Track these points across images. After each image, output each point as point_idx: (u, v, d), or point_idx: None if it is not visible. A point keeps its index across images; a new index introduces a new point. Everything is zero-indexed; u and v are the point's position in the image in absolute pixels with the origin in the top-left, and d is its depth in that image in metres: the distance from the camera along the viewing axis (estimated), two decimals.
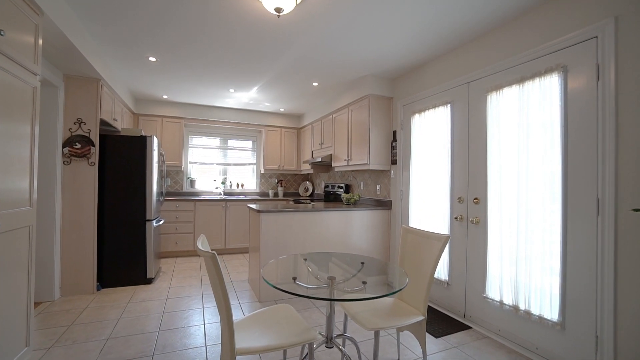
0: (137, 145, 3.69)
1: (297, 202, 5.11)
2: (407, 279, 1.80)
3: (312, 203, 4.63)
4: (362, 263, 2.27)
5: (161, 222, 4.12)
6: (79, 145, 3.27)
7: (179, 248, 5.02)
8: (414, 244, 2.20)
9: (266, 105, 5.47)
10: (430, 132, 3.32)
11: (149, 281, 3.73)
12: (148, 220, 3.72)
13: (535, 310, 2.24)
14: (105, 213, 3.57)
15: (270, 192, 6.15)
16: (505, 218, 2.50)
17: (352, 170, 4.78)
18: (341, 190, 4.97)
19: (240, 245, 5.40)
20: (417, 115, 3.51)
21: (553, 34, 2.19)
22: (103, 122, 3.70)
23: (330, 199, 5.25)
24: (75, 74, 3.25)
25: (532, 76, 2.29)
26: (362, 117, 3.98)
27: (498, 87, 2.57)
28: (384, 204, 4.02)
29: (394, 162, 3.90)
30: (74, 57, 2.84)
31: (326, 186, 5.49)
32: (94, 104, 3.36)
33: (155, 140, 3.87)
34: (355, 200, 4.18)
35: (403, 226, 2.36)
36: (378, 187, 4.18)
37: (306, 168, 5.87)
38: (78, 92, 3.30)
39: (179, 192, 5.67)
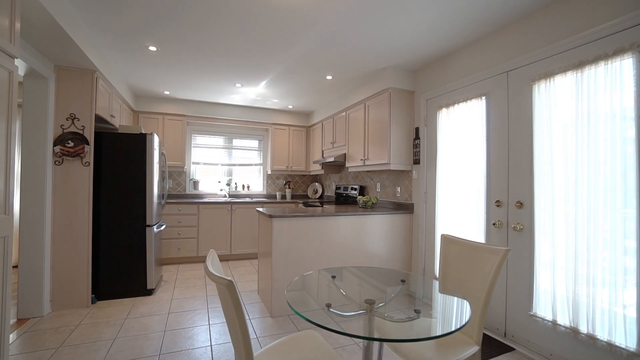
0: (136, 144, 3.37)
1: (306, 204, 4.78)
2: (467, 304, 1.46)
3: (324, 206, 4.30)
4: (403, 281, 1.93)
5: (162, 228, 3.80)
6: (71, 144, 2.96)
7: (181, 254, 4.70)
8: (460, 258, 1.86)
9: (274, 102, 5.15)
10: (461, 128, 2.99)
11: (149, 292, 3.41)
12: (148, 226, 3.40)
13: (601, 335, 1.90)
14: (101, 218, 3.25)
15: (278, 194, 5.82)
16: (559, 225, 2.16)
17: (368, 171, 4.45)
18: (355, 192, 4.63)
19: (247, 250, 5.07)
20: (444, 109, 3.18)
21: (623, 8, 1.86)
22: (99, 119, 3.39)
23: (343, 201, 4.91)
24: (67, 65, 2.94)
25: (595, 60, 1.96)
26: (381, 113, 3.65)
27: (548, 74, 2.23)
28: (404, 208, 3.69)
29: (416, 161, 3.57)
30: (66, 45, 2.53)
31: (337, 188, 5.16)
32: (88, 98, 3.04)
33: (156, 139, 3.56)
34: (372, 203, 3.85)
35: (443, 234, 2.02)
36: (398, 189, 3.85)
37: (316, 169, 5.55)
38: (71, 84, 2.99)
39: (182, 195, 5.35)
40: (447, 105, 3.13)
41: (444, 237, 2.00)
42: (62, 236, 2.96)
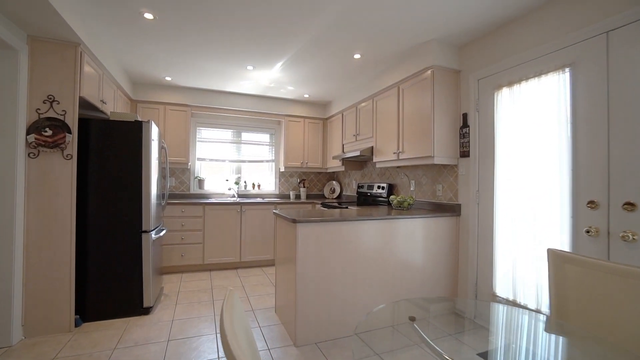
0: (131, 134, 2.82)
1: (326, 205, 4.21)
2: None
3: (348, 207, 3.72)
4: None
5: (163, 233, 3.24)
6: (49, 132, 2.41)
7: (185, 262, 4.14)
8: (591, 286, 1.27)
9: (289, 90, 4.57)
10: (530, 111, 2.39)
11: (145, 311, 2.85)
12: (144, 232, 2.84)
13: None
14: (88, 223, 2.69)
15: (291, 194, 5.25)
16: None
17: (399, 167, 3.86)
18: (382, 190, 4.04)
19: (259, 257, 4.50)
20: (504, 90, 2.58)
21: None
22: (87, 105, 2.84)
23: (367, 201, 4.33)
24: (44, 36, 2.39)
25: None
26: (420, 97, 3.06)
27: None
28: (448, 209, 3.10)
29: (464, 154, 2.97)
30: (40, 9, 1.98)
31: (360, 186, 4.58)
32: (71, 77, 2.49)
33: (154, 128, 3.00)
34: (409, 204, 3.26)
35: (552, 250, 1.43)
36: (439, 187, 3.25)
37: (334, 165, 4.96)
38: (49, 60, 2.44)
39: (185, 194, 4.80)
40: (510, 84, 2.53)
41: (554, 254, 1.40)
42: (38, 245, 2.41)
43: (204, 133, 5.00)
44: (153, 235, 2.93)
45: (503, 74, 2.62)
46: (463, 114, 3.00)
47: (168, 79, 4.11)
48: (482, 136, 2.82)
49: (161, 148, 3.45)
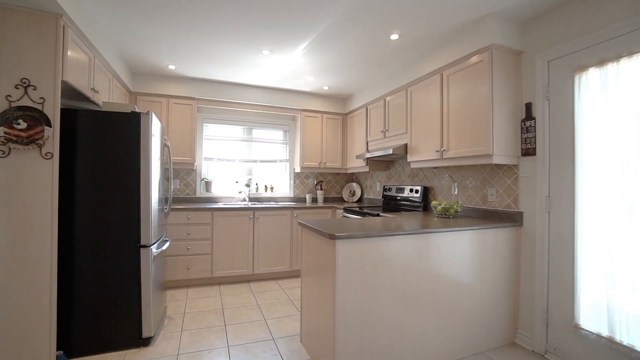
0: (127, 128, 2.33)
1: (350, 211, 3.71)
2: None
3: (379, 214, 3.21)
4: None
5: (166, 246, 2.75)
6: (23, 125, 1.92)
7: (191, 275, 3.65)
8: None
9: (307, 82, 4.07)
10: (628, 97, 1.87)
11: (145, 342, 2.36)
12: (144, 247, 2.35)
13: None
14: (74, 238, 2.21)
15: (307, 197, 4.74)
16: None
17: (436, 167, 3.35)
18: (415, 194, 3.53)
19: (273, 269, 4.01)
20: (591, 71, 2.06)
21: None
22: (74, 93, 2.35)
23: (397, 207, 3.81)
24: (15, 4, 1.90)
25: None
26: (472, 85, 2.55)
27: None
28: (505, 218, 2.58)
29: (527, 152, 2.46)
30: None
31: (386, 189, 4.07)
32: (51, 56, 2.00)
33: (155, 122, 2.51)
34: (455, 212, 2.75)
35: None
36: (491, 191, 2.74)
37: (356, 165, 4.46)
38: (22, 34, 1.95)
39: (191, 198, 4.31)
40: (600, 63, 2.01)
41: None
42: (9, 265, 1.92)
43: (212, 130, 4.51)
44: (154, 250, 2.44)
45: (588, 51, 2.10)
46: (526, 104, 2.48)
47: (172, 67, 3.61)
48: (553, 130, 2.31)
49: (164, 146, 2.96)
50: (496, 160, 2.42)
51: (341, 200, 5.10)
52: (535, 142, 2.41)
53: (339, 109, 4.79)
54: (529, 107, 2.47)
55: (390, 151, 3.32)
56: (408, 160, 3.33)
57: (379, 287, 1.98)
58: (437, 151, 2.90)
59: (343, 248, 1.87)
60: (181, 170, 4.27)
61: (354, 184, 4.99)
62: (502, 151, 2.45)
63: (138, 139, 2.34)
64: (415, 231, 2.09)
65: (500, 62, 2.45)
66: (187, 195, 4.29)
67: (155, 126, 2.54)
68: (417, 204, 3.51)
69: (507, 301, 2.48)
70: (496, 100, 2.42)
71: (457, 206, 2.76)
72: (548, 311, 2.32)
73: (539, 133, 2.39)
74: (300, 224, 2.37)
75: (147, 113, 2.37)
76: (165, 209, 3.06)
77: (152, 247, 2.40)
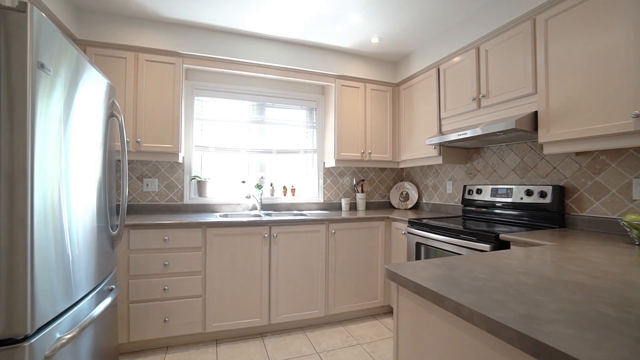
0: None
1: (416, 224, 2.29)
2: None
3: (506, 236, 1.79)
4: None
5: (103, 306, 1.35)
6: None
7: (171, 330, 2.26)
8: None
9: (351, 26, 2.66)
10: None
11: None
12: (15, 342, 0.94)
13: None
14: None
15: (343, 202, 3.33)
16: None
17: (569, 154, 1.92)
18: (541, 199, 2.11)
19: (299, 315, 2.60)
20: None
21: None
22: None
23: (500, 219, 2.38)
24: None
25: None
26: None
27: None
28: None
29: None
30: None
31: (469, 191, 2.64)
32: None
33: (56, 36, 1.11)
34: None
35: None
36: None
37: (416, 157, 3.03)
38: None
39: (176, 206, 2.91)
40: None
41: None
42: None
43: (207, 106, 3.11)
44: (50, 341, 1.03)
45: None
46: None
47: (138, 0, 2.23)
48: None
49: (110, 115, 1.58)
50: None
51: (389, 206, 3.67)
52: None
53: (388, 76, 3.37)
54: None
55: (499, 128, 1.88)
56: (541, 140, 1.89)
57: None
58: (631, 118, 1.46)
59: None
60: (159, 165, 2.88)
61: (406, 183, 3.56)
62: None
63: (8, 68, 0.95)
64: None
65: None
66: (169, 202, 2.89)
67: (70, 53, 1.15)
68: (542, 213, 2.08)
69: None
70: None
71: None
72: None
73: None
74: (390, 274, 0.96)
75: (26, 4, 0.98)
76: (114, 230, 1.67)
77: (40, 335, 0.99)
